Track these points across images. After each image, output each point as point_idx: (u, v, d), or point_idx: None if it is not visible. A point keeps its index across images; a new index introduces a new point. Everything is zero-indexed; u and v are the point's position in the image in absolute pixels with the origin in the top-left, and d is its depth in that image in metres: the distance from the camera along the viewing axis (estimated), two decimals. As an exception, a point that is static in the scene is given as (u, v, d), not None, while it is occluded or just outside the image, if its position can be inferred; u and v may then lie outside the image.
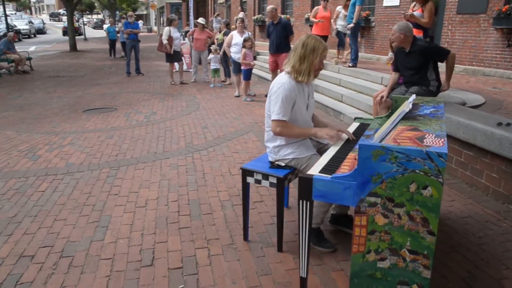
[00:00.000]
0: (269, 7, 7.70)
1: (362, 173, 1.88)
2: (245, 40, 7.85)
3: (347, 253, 2.71)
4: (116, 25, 17.55)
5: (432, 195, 1.79)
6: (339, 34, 9.37)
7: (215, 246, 2.86)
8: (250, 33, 8.46)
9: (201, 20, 10.07)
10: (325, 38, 9.28)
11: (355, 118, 3.30)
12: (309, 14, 13.52)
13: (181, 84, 10.26)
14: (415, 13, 6.04)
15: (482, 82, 6.90)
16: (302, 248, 2.17)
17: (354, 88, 7.44)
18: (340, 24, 9.21)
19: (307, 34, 2.65)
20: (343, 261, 2.63)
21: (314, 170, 2.14)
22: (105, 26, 20.77)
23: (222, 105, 7.74)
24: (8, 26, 17.36)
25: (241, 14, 13.43)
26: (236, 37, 8.04)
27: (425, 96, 4.06)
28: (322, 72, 9.05)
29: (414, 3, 6.19)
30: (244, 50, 7.75)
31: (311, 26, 13.64)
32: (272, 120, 2.61)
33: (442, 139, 1.93)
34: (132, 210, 3.44)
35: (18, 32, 19.00)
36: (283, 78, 2.60)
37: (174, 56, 10.02)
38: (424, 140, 1.93)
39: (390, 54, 5.43)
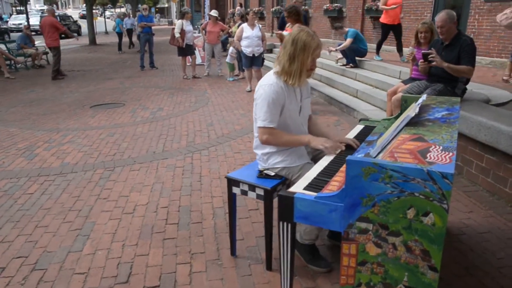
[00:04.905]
0: None
1: (351, 194, 1.57)
2: None
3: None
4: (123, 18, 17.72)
5: (435, 224, 1.46)
6: None
7: (199, 261, 2.60)
8: (261, 26, 8.10)
9: (213, 12, 9.78)
10: (395, 27, 8.11)
11: (360, 120, 2.96)
12: (327, 5, 13.07)
13: (193, 78, 10.03)
14: (285, 33, 6.02)
15: (511, 76, 6.35)
16: (284, 278, 1.87)
17: (371, 83, 7.02)
18: None
19: (299, 27, 2.31)
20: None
21: (298, 187, 1.83)
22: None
23: (232, 100, 7.46)
24: (28, 21, 17.54)
25: (237, 9, 12.97)
26: (247, 30, 7.71)
27: (447, 96, 3.66)
28: (338, 65, 8.66)
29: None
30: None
31: (329, 17, 13.21)
32: (259, 127, 2.31)
33: (450, 154, 1.59)
34: (118, 216, 3.22)
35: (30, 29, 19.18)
36: (270, 79, 2.29)
37: (186, 50, 9.78)
38: (428, 155, 1.60)
39: (411, 49, 4.92)
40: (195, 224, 3.06)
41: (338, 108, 6.56)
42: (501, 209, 3.18)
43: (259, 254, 2.64)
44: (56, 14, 13.42)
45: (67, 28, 11.43)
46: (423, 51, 4.04)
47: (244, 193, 2.42)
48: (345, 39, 8.02)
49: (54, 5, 79.82)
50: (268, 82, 2.27)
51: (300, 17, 5.92)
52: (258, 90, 2.29)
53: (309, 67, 2.25)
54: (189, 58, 10.25)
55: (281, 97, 2.25)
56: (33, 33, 15.10)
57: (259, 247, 2.72)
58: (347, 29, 8.19)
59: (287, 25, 6.24)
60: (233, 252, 2.63)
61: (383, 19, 8.18)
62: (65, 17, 29.60)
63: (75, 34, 11.55)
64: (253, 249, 2.71)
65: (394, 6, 7.85)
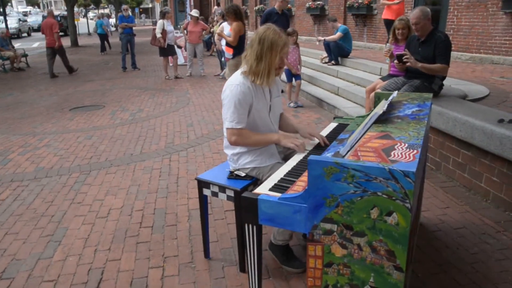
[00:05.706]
0: None
1: (314, 194, 1.53)
2: (288, 34, 6.01)
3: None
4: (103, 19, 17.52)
5: (398, 223, 1.43)
6: None
7: (172, 265, 2.54)
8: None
9: (194, 12, 9.69)
10: None
11: (334, 118, 2.94)
12: (310, 3, 13.06)
13: (175, 78, 9.93)
14: (226, 32, 6.51)
15: (489, 71, 6.42)
16: (252, 280, 1.84)
17: (352, 80, 7.03)
18: None
19: (266, 25, 2.25)
20: (313, 284, 2.29)
21: (264, 188, 1.79)
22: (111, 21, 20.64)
23: (213, 100, 7.39)
24: (7, 24, 17.12)
25: (216, 9, 12.95)
26: (227, 29, 7.64)
27: (424, 92, 3.66)
28: (322, 63, 8.65)
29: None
30: None
31: (312, 15, 13.21)
32: (226, 128, 2.26)
33: (415, 151, 1.56)
34: (91, 221, 3.14)
35: None
36: (236, 79, 2.24)
37: (168, 50, 9.68)
38: (392, 153, 1.57)
39: (388, 45, 4.92)
40: (169, 226, 3.01)
41: (319, 106, 6.55)
42: (476, 204, 3.19)
43: (234, 256, 2.60)
44: (56, 15, 13.19)
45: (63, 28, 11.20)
46: (397, 53, 4.05)
47: (214, 194, 2.37)
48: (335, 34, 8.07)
49: (36, 6, 78.55)
50: (234, 82, 2.22)
51: (239, 16, 6.04)
52: (225, 91, 2.25)
53: (277, 66, 2.21)
54: (171, 58, 10.14)
55: (248, 97, 2.21)
56: (14, 36, 14.84)
57: (234, 248, 2.68)
58: (339, 25, 8.22)
59: (230, 24, 6.40)
60: (206, 254, 2.59)
61: (385, 14, 7.80)
62: (65, 18, 30.56)
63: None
64: (228, 250, 2.67)
65: (397, 1, 7.57)
